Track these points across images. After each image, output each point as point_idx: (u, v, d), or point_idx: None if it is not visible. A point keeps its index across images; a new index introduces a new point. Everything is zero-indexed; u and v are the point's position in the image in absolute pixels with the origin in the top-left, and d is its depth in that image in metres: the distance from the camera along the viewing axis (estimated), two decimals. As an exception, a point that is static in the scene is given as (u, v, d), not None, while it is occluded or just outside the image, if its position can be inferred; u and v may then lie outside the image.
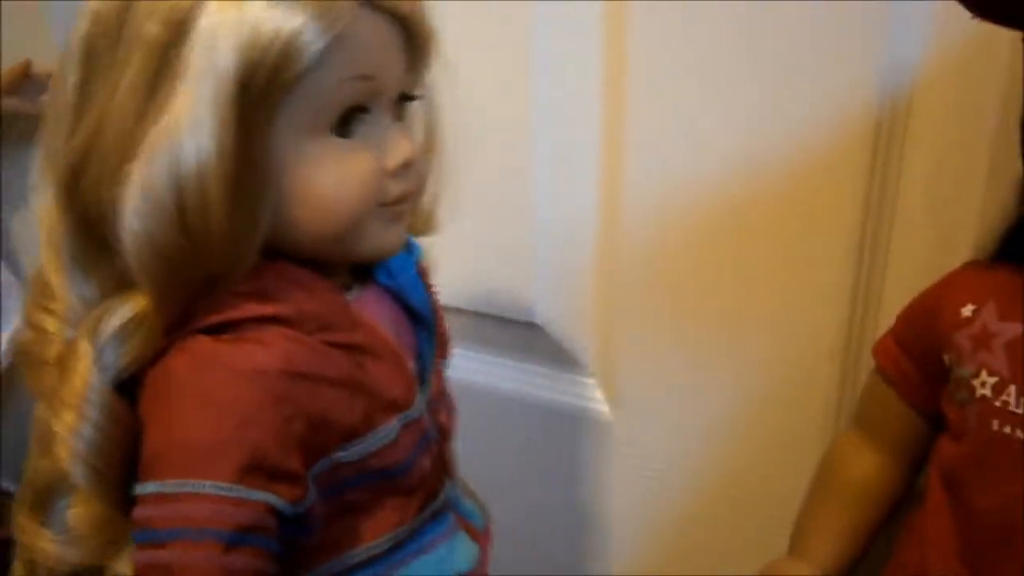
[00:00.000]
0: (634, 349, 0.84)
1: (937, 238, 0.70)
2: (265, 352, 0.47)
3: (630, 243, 0.81)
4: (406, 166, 0.51)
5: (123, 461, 0.49)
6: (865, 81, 0.68)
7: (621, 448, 0.88)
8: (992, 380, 0.54)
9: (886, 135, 0.69)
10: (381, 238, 0.52)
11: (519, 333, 0.89)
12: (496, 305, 0.88)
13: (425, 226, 0.61)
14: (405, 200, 0.52)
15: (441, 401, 0.60)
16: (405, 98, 0.53)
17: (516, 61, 0.79)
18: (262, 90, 0.46)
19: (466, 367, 0.91)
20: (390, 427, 0.52)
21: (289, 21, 0.46)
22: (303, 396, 0.47)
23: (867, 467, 0.65)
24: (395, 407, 0.52)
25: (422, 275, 0.60)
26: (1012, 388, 0.53)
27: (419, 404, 0.54)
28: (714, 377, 0.81)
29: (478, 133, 0.80)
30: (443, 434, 0.59)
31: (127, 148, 0.46)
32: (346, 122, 0.49)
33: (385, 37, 0.50)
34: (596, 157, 0.80)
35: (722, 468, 0.84)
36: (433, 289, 0.61)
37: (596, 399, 0.88)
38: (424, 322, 0.58)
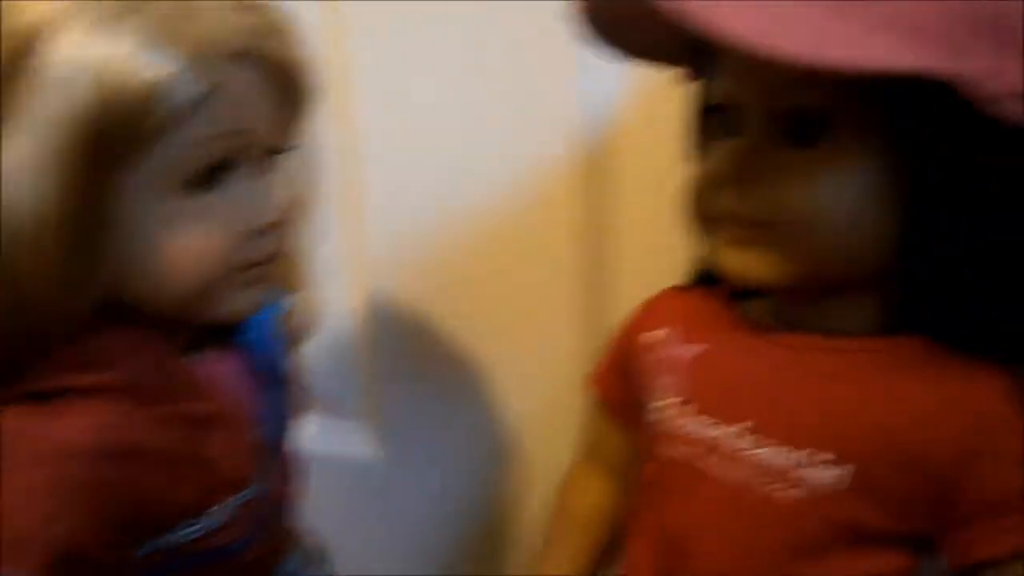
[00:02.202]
0: (399, 389, 0.83)
1: (656, 271, 0.71)
2: (83, 428, 0.43)
3: (382, 283, 0.80)
4: (270, 228, 0.47)
5: None
6: (568, 118, 0.69)
7: (395, 491, 0.87)
8: (672, 402, 0.54)
9: (595, 175, 0.70)
10: (235, 302, 0.48)
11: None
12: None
13: (292, 281, 0.57)
14: (265, 263, 0.48)
15: (286, 469, 0.56)
16: (278, 150, 0.49)
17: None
18: (118, 141, 0.41)
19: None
20: (227, 506, 0.48)
21: (157, 69, 0.41)
22: (125, 477, 0.44)
23: (595, 494, 0.64)
24: (233, 486, 0.48)
25: (284, 333, 0.56)
26: (688, 408, 0.53)
27: (260, 479, 0.50)
28: (472, 412, 0.80)
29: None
30: (284, 505, 0.55)
31: None
32: (208, 179, 0.45)
33: (260, 90, 0.46)
34: (335, 200, 0.78)
35: (490, 500, 0.84)
36: (294, 348, 0.57)
37: (365, 443, 0.86)
38: (276, 384, 0.54)
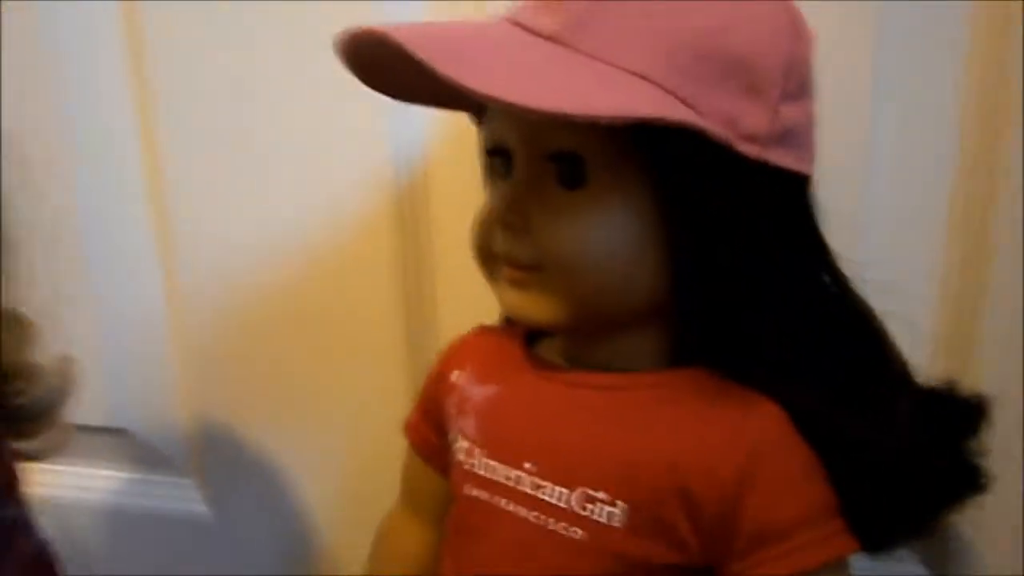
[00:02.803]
0: (225, 443, 0.81)
1: (478, 305, 0.72)
2: None
3: (200, 335, 0.77)
4: None
5: None
6: (381, 155, 0.69)
7: (226, 548, 0.84)
8: (465, 445, 0.54)
9: (409, 211, 0.70)
10: None
11: (107, 441, 0.84)
12: (80, 414, 0.83)
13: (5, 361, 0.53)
14: None
15: (4, 558, 0.51)
16: None
17: (55, 163, 0.76)
18: None
19: (58, 482, 0.85)
20: None
21: None
22: None
23: (412, 540, 0.63)
24: None
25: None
26: (477, 451, 0.53)
27: None
28: (302, 463, 0.79)
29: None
30: None
31: None
32: None
33: None
34: (150, 251, 0.77)
35: (325, 555, 0.82)
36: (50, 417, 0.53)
37: (194, 499, 0.84)
38: None
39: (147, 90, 0.72)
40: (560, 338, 0.54)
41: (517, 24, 0.46)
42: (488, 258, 0.51)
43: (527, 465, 0.50)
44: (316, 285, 0.73)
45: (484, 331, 0.61)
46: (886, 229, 0.61)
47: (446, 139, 0.68)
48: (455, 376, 0.58)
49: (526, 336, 0.57)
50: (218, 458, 0.81)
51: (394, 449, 0.76)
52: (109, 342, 0.80)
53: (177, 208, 0.74)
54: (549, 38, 0.45)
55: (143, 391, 0.81)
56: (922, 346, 0.56)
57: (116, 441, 0.83)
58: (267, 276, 0.74)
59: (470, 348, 0.59)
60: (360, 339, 0.74)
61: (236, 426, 0.80)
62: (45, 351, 0.58)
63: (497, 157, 0.51)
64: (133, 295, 0.78)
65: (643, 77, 0.43)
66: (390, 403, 0.75)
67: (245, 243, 0.73)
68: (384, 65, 0.49)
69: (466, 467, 0.54)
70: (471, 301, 0.71)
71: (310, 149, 0.70)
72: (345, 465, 0.79)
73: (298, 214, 0.72)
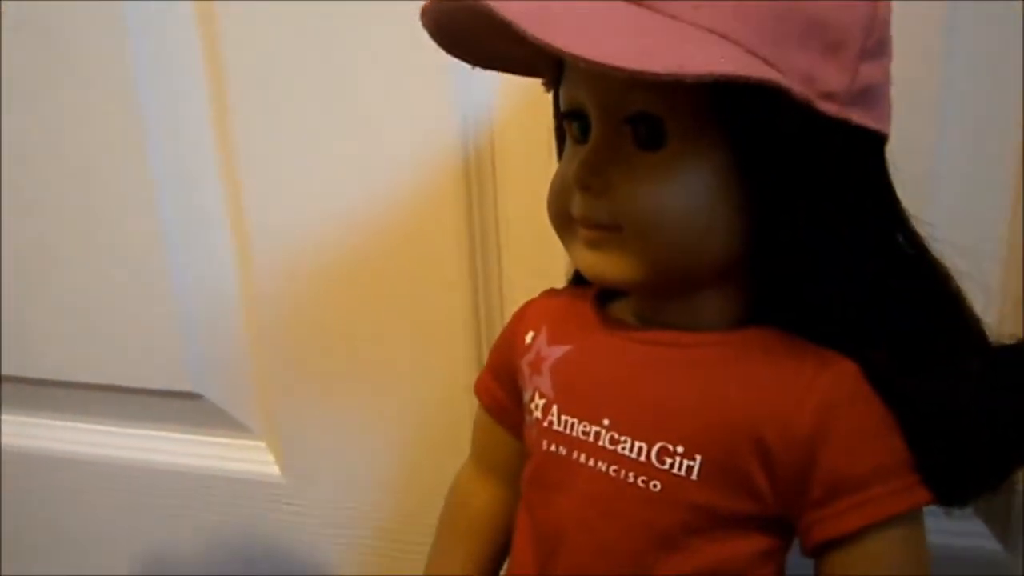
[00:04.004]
0: (296, 408, 0.83)
1: (543, 271, 0.73)
2: None
3: (271, 302, 0.79)
4: None
5: None
6: (447, 125, 0.69)
7: (296, 509, 0.87)
8: (542, 402, 0.55)
9: (476, 178, 0.70)
10: None
11: (182, 405, 0.86)
12: (153, 379, 0.86)
13: None
14: None
15: None
16: None
17: (128, 135, 0.78)
18: None
19: (133, 446, 0.88)
20: None
21: None
22: None
23: (484, 498, 0.65)
24: None
25: None
26: (555, 408, 0.54)
27: None
28: (369, 427, 0.80)
29: (100, 208, 0.79)
30: None
31: None
32: None
33: None
34: (223, 221, 0.78)
35: (393, 516, 0.84)
36: None
37: (267, 462, 0.86)
38: None
39: (217, 61, 0.74)
40: (633, 298, 0.55)
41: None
42: (565, 220, 0.52)
43: (605, 421, 0.52)
44: (384, 252, 0.74)
45: (554, 293, 0.62)
46: (957, 190, 0.61)
47: (513, 107, 0.69)
48: (529, 337, 0.59)
49: (597, 296, 0.58)
50: (289, 422, 0.83)
51: (460, 414, 0.78)
52: (183, 309, 0.82)
53: (249, 176, 0.76)
54: (631, 0, 0.45)
55: (216, 357, 0.83)
56: (993, 305, 0.56)
57: (190, 405, 0.85)
58: (336, 243, 0.75)
59: (542, 310, 0.60)
60: (427, 305, 0.75)
61: (307, 391, 0.82)
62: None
63: (573, 121, 0.52)
64: (206, 263, 0.80)
65: (724, 36, 0.44)
66: (457, 369, 0.77)
67: (315, 213, 0.75)
68: (463, 31, 0.50)
69: (543, 424, 0.55)
70: (537, 267, 0.72)
71: (378, 117, 0.71)
72: (413, 428, 0.80)
73: (366, 181, 0.73)
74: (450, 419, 0.78)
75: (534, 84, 0.61)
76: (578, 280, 0.62)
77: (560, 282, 0.68)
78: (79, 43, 0.75)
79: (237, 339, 0.82)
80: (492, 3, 0.42)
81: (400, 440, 0.81)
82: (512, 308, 0.74)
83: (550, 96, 0.57)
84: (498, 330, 0.75)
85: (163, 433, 0.88)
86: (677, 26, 0.44)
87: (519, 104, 0.69)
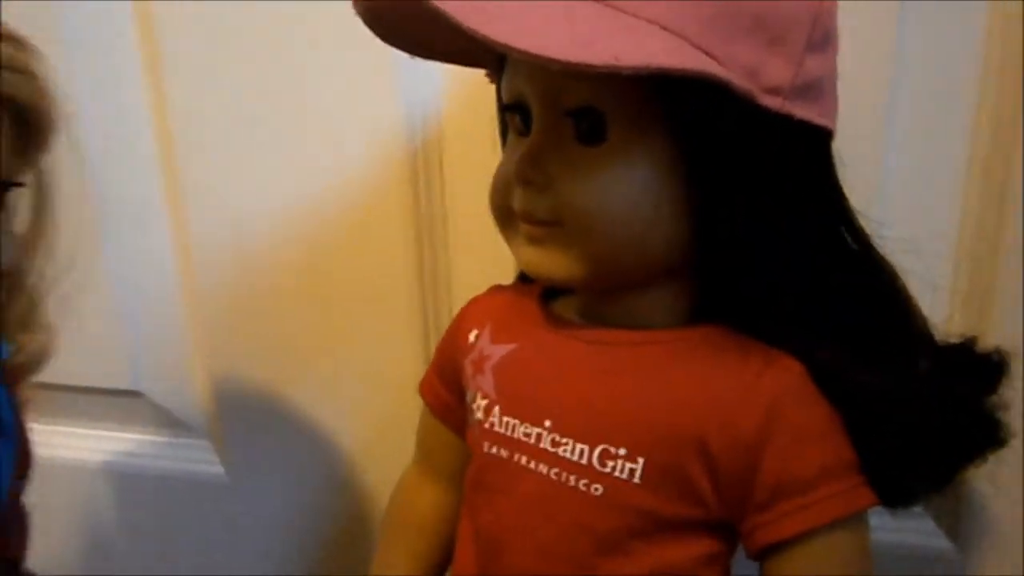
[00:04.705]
0: (240, 405, 0.81)
1: (490, 267, 0.71)
2: None
3: (212, 299, 0.77)
4: None
5: None
6: (393, 118, 0.68)
7: (241, 508, 0.85)
8: (484, 403, 0.53)
9: (423, 175, 0.69)
10: None
11: (123, 404, 0.84)
12: (92, 377, 0.83)
13: (23, 325, 0.53)
14: None
15: (11, 526, 0.51)
16: (5, 185, 0.45)
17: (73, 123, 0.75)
18: None
19: (75, 445, 0.85)
20: None
21: None
22: None
23: (429, 498, 0.63)
24: None
25: (6, 378, 0.51)
26: (496, 409, 0.52)
27: None
28: (315, 426, 0.79)
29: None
30: (11, 572, 0.51)
31: None
32: None
33: None
34: (163, 216, 0.76)
35: (340, 516, 0.83)
36: (19, 396, 0.52)
37: (210, 461, 0.84)
38: (5, 433, 0.51)
39: (157, 52, 0.71)
40: (577, 295, 0.54)
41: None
42: (506, 215, 0.51)
43: (546, 422, 0.50)
44: (330, 247, 0.73)
45: (499, 290, 0.61)
46: (904, 187, 0.60)
47: (460, 100, 0.68)
48: (472, 335, 0.58)
49: (542, 294, 0.57)
50: (233, 420, 0.81)
51: (407, 411, 0.76)
52: (124, 306, 0.79)
53: (189, 171, 0.74)
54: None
55: (158, 354, 0.81)
56: (941, 304, 0.56)
57: (132, 404, 0.83)
58: (281, 238, 0.73)
59: (487, 307, 0.59)
60: (374, 301, 0.74)
61: (251, 388, 0.80)
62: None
63: (515, 113, 0.50)
64: (147, 259, 0.78)
65: (665, 28, 0.43)
66: (404, 365, 0.75)
67: (258, 206, 0.73)
68: (401, 20, 0.48)
69: (485, 425, 0.54)
70: (485, 262, 0.71)
71: (322, 110, 0.69)
72: (359, 427, 0.79)
73: (311, 176, 0.71)
74: (398, 419, 0.76)
75: (480, 76, 0.59)
76: (525, 277, 0.61)
77: (510, 279, 0.67)
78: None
79: (179, 336, 0.80)
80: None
81: (347, 440, 0.79)
82: (460, 304, 0.73)
83: (493, 95, 0.56)
84: (445, 328, 0.74)
85: (103, 432, 0.85)
86: (618, 16, 0.43)
87: (466, 97, 0.67)
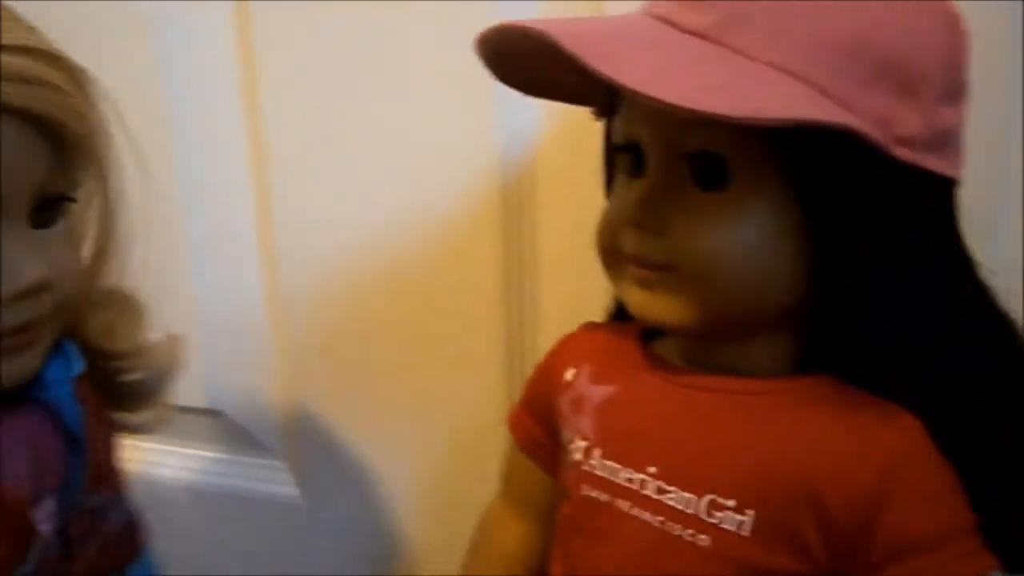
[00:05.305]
0: (318, 428, 0.80)
1: (577, 301, 0.70)
2: None
3: (297, 322, 0.77)
4: (28, 293, 0.43)
5: None
6: (488, 157, 0.68)
7: (316, 530, 0.85)
8: (583, 444, 0.52)
9: (515, 208, 0.69)
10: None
11: (201, 423, 0.84)
12: (175, 394, 0.83)
13: (105, 338, 0.53)
14: (31, 328, 0.44)
15: (85, 544, 0.51)
16: (56, 200, 0.45)
17: (158, 144, 0.76)
18: None
19: (152, 461, 0.86)
20: None
21: None
22: None
23: (514, 533, 0.62)
24: None
25: (79, 393, 0.51)
26: (596, 452, 0.51)
27: (30, 563, 0.46)
28: (394, 452, 0.78)
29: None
30: None
31: None
32: None
33: (8, 140, 0.41)
34: (252, 239, 0.76)
35: (412, 543, 0.82)
36: (92, 409, 0.52)
37: (286, 482, 0.84)
38: (75, 450, 0.50)
39: (254, 75, 0.72)
40: (680, 339, 0.53)
41: (661, 19, 0.44)
42: (614, 257, 0.50)
43: (651, 468, 0.49)
44: (418, 276, 0.72)
45: (595, 329, 0.60)
46: (1018, 234, 0.59)
47: (556, 135, 0.67)
48: (569, 374, 0.57)
49: (642, 335, 0.56)
50: (310, 442, 0.81)
51: (486, 440, 0.76)
52: (208, 325, 0.80)
53: (281, 195, 0.74)
54: (699, 35, 0.43)
55: (239, 374, 0.81)
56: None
57: (211, 422, 0.83)
58: (368, 265, 0.73)
59: (584, 346, 0.58)
60: (459, 333, 0.73)
61: (329, 412, 0.80)
62: (152, 330, 0.58)
63: (626, 153, 0.50)
64: (233, 280, 0.78)
65: (795, 76, 0.42)
66: (485, 398, 0.74)
67: (348, 232, 0.73)
68: (522, 60, 0.48)
69: (583, 467, 0.53)
70: (573, 299, 0.70)
71: (418, 140, 0.69)
72: (435, 457, 0.78)
73: (403, 204, 0.71)
74: (476, 450, 0.76)
75: (577, 115, 0.59)
76: (618, 315, 0.60)
77: (596, 315, 0.66)
78: (111, 50, 0.73)
79: (260, 356, 0.80)
80: (556, 35, 0.39)
81: (423, 468, 0.79)
82: (546, 340, 0.72)
83: (595, 125, 0.55)
84: (530, 361, 0.73)
85: (180, 449, 0.86)
86: (748, 65, 0.42)
87: (562, 133, 0.67)
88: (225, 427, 0.83)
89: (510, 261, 0.70)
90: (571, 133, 0.66)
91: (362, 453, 0.80)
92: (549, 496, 0.62)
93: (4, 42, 0.42)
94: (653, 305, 0.48)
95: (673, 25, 0.44)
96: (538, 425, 0.61)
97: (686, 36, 0.43)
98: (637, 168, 0.49)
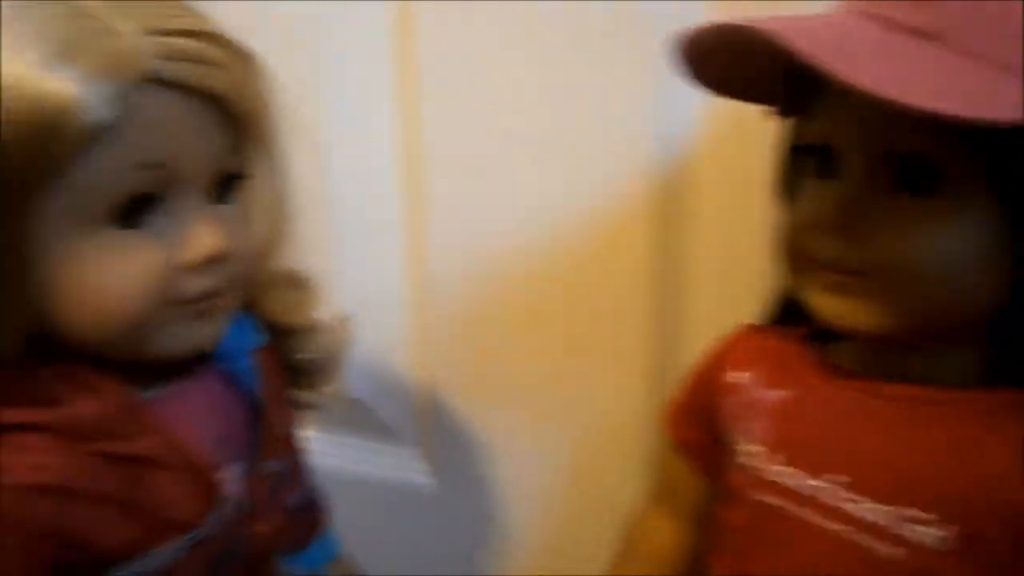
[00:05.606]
0: (454, 418, 0.81)
1: (727, 302, 0.69)
2: (16, 465, 0.41)
3: (439, 313, 0.77)
4: (209, 261, 0.45)
5: None
6: (645, 153, 0.67)
7: (448, 519, 0.85)
8: (757, 449, 0.52)
9: (670, 205, 0.67)
10: (182, 337, 0.46)
11: (338, 409, 0.85)
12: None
13: (284, 315, 0.56)
14: (211, 296, 0.46)
15: (269, 508, 0.53)
16: (232, 177, 0.47)
17: (312, 131, 0.76)
18: (15, 172, 0.39)
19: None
20: (173, 547, 0.46)
21: (55, 91, 0.38)
22: (57, 514, 0.42)
23: (666, 534, 0.62)
24: (181, 527, 0.46)
25: (259, 365, 0.54)
26: (775, 458, 0.51)
27: (215, 521, 0.48)
28: (530, 445, 0.78)
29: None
30: (258, 547, 0.52)
31: None
32: (131, 211, 0.42)
33: (185, 118, 0.43)
34: (398, 226, 0.76)
35: (545, 536, 0.82)
36: (270, 380, 0.54)
37: (420, 471, 0.84)
38: (256, 415, 0.53)
39: (413, 66, 0.72)
40: (859, 344, 0.52)
41: (881, 18, 0.43)
42: (802, 260, 0.49)
43: (839, 477, 0.48)
44: (563, 274, 0.72)
45: (759, 332, 0.58)
46: None
47: (712, 135, 0.66)
48: (735, 377, 0.56)
49: (811, 339, 0.54)
50: (446, 433, 0.81)
51: (624, 445, 0.75)
52: (349, 312, 0.81)
53: (433, 186, 0.74)
54: (923, 33, 0.42)
55: (378, 362, 0.82)
56: None
57: (347, 408, 0.84)
58: (517, 260, 0.73)
59: (751, 349, 0.57)
60: (604, 330, 0.72)
61: (467, 404, 0.80)
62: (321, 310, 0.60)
63: (812, 155, 0.49)
64: (378, 269, 0.79)
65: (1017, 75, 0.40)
66: (626, 397, 0.74)
67: (498, 226, 0.73)
68: (721, 56, 0.47)
69: (760, 473, 0.52)
70: (723, 300, 0.69)
71: (575, 138, 0.68)
72: (570, 455, 0.78)
73: (556, 201, 0.70)
74: (613, 449, 0.76)
75: (735, 112, 0.57)
76: (777, 318, 0.59)
77: (745, 317, 0.65)
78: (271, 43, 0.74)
79: (400, 346, 0.81)
80: (790, 37, 0.38)
81: (558, 464, 0.78)
82: (693, 341, 0.71)
83: (752, 125, 0.54)
84: (676, 362, 0.72)
85: (315, 434, 0.87)
86: (974, 64, 0.41)
87: (719, 132, 0.65)
88: (361, 414, 0.84)
89: (660, 261, 0.69)
90: (728, 133, 0.65)
91: (497, 446, 0.80)
92: (703, 498, 0.61)
93: (183, 27, 0.43)
94: (846, 310, 0.47)
95: (895, 24, 0.42)
96: (696, 427, 0.60)
97: (910, 35, 0.42)
98: (827, 170, 0.48)
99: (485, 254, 0.74)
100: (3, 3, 0.41)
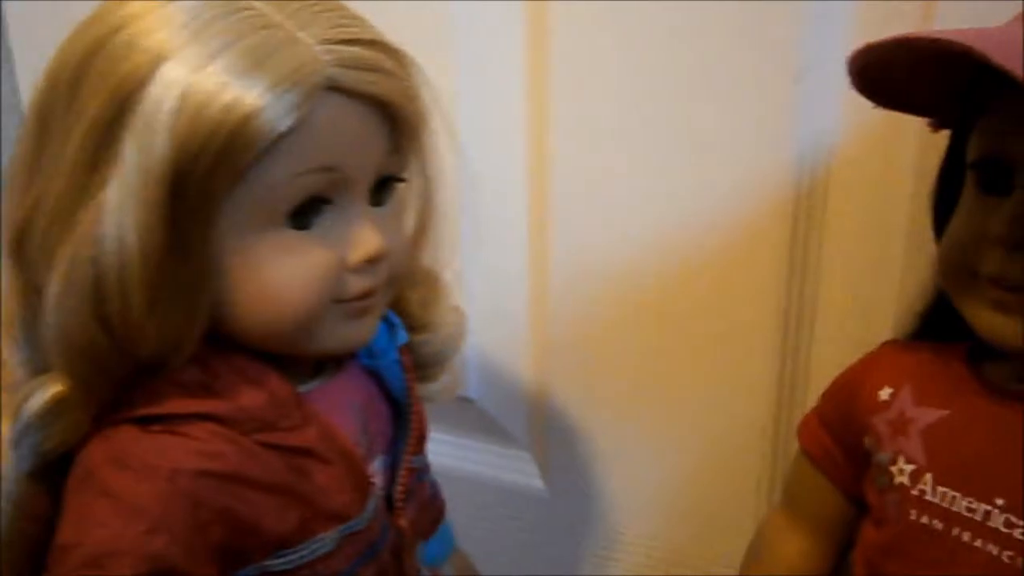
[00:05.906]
0: (567, 423, 0.81)
1: (859, 314, 0.68)
2: (188, 450, 0.43)
3: (560, 317, 0.77)
4: (371, 261, 0.46)
5: (33, 552, 0.45)
6: (783, 160, 0.66)
7: (556, 523, 0.85)
8: (909, 468, 0.51)
9: (805, 212, 0.66)
10: (341, 335, 0.48)
11: (453, 409, 0.86)
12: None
13: (422, 314, 0.58)
14: (370, 295, 0.48)
15: (408, 502, 0.54)
16: (389, 180, 0.49)
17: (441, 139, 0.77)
18: (202, 179, 0.41)
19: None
20: (328, 537, 0.47)
21: (242, 101, 0.40)
22: (226, 500, 0.43)
23: (796, 546, 0.61)
24: (336, 517, 0.48)
25: (403, 362, 0.55)
26: (928, 477, 0.50)
27: (367, 513, 0.50)
28: (646, 451, 0.78)
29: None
30: (402, 540, 0.53)
31: (64, 226, 0.42)
32: (302, 213, 0.44)
33: (355, 123, 0.44)
34: (523, 230, 0.76)
35: (657, 543, 0.81)
36: (411, 376, 0.56)
37: (531, 473, 0.84)
38: (400, 412, 0.55)
39: (545, 67, 0.71)
40: (1018, 363, 0.50)
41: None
42: (965, 276, 0.48)
43: (998, 500, 0.47)
44: (693, 278, 0.71)
45: (909, 348, 0.57)
46: None
47: (853, 143, 0.65)
48: (885, 393, 0.55)
49: (969, 357, 0.53)
50: (558, 436, 0.82)
51: (744, 456, 0.74)
52: (469, 313, 0.81)
53: (561, 189, 0.74)
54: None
55: (495, 364, 0.82)
56: None
57: (463, 409, 0.85)
58: (642, 264, 0.73)
59: (901, 365, 0.56)
60: (729, 338, 0.72)
61: (581, 409, 0.80)
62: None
63: (979, 170, 0.48)
64: (501, 272, 0.79)
65: None
66: (749, 407, 0.73)
67: (625, 230, 0.72)
68: (899, 69, 0.47)
69: (912, 492, 0.51)
70: (854, 312, 0.68)
71: (712, 141, 0.67)
72: (685, 464, 0.78)
73: (687, 205, 0.70)
74: (732, 460, 0.75)
75: (877, 120, 0.56)
76: (921, 333, 0.58)
77: (878, 329, 0.64)
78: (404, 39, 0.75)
79: (519, 349, 0.81)
80: (986, 49, 0.38)
81: (672, 473, 0.78)
82: (822, 353, 0.70)
83: (893, 134, 0.54)
84: (802, 373, 0.72)
85: (432, 434, 0.88)
86: None
87: (860, 140, 0.64)
88: (476, 415, 0.85)
89: (793, 271, 0.69)
90: (869, 142, 0.64)
91: (610, 451, 0.80)
92: (836, 512, 0.60)
93: (357, 36, 0.44)
94: (1008, 328, 0.47)
95: None
96: (835, 440, 0.59)
97: None
98: (994, 186, 0.47)
99: (610, 258, 0.74)
100: (190, 12, 0.43)
